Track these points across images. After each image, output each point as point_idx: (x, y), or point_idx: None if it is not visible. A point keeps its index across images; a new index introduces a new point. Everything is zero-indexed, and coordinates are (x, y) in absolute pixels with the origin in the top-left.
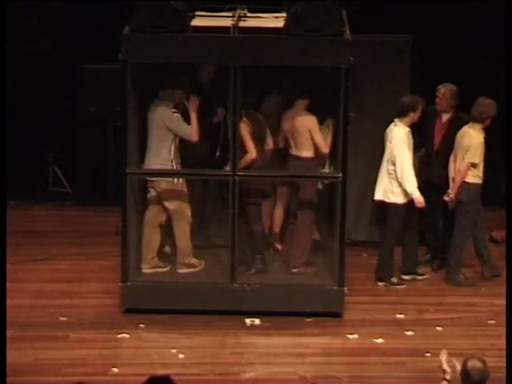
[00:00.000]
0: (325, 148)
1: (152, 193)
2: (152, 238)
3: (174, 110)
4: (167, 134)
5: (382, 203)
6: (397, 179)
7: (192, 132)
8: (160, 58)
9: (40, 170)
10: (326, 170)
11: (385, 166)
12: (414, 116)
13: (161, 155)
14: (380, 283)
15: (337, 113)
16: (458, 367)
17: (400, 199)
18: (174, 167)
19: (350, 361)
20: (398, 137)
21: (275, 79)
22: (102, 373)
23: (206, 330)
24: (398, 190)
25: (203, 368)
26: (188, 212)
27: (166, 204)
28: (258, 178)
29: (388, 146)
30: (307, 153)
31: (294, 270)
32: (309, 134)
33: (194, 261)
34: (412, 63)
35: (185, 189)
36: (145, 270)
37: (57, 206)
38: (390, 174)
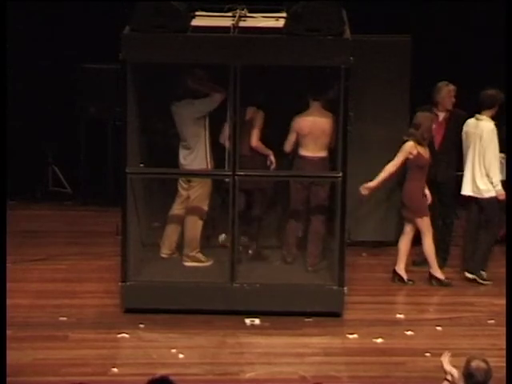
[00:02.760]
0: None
1: (182, 182)
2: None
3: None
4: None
5: (472, 199)
6: (485, 172)
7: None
8: (160, 58)
9: (40, 169)
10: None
11: (475, 163)
12: (496, 109)
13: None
14: (469, 275)
15: (337, 112)
16: (455, 374)
17: (494, 192)
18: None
19: (350, 361)
20: (489, 129)
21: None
22: (101, 373)
23: (206, 329)
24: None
25: (203, 368)
26: (205, 206)
27: (190, 192)
28: (258, 177)
29: (477, 141)
30: (324, 153)
31: (310, 269)
32: (330, 133)
33: (199, 255)
34: (412, 63)
35: (209, 183)
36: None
37: (57, 205)
38: (481, 169)
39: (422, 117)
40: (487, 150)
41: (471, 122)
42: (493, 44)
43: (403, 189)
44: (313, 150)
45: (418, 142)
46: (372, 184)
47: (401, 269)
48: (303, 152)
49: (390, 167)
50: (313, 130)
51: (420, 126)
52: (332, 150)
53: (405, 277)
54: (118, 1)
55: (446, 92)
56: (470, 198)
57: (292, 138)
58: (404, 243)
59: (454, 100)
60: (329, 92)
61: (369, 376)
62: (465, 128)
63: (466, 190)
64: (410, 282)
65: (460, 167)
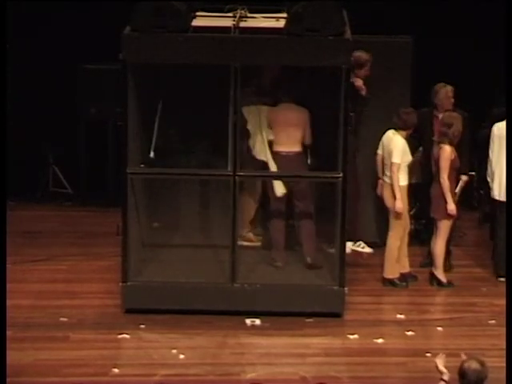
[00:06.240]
0: (309, 140)
1: None
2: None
3: None
4: None
5: (501, 203)
6: None
7: None
8: (160, 58)
9: (40, 170)
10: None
11: (506, 167)
12: None
13: None
14: (502, 279)
15: (337, 112)
16: (446, 376)
17: None
18: None
19: (351, 361)
20: None
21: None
22: (102, 373)
23: (207, 330)
24: None
25: (204, 368)
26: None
27: None
28: (259, 177)
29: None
30: (298, 147)
31: (309, 259)
32: (303, 126)
33: (250, 235)
34: (413, 64)
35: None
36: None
37: (57, 206)
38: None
39: (452, 117)
40: None
41: (503, 125)
42: (493, 45)
43: (432, 190)
44: (286, 145)
45: (450, 143)
46: (451, 206)
47: (439, 272)
48: (277, 147)
49: (447, 182)
50: (284, 122)
51: (451, 126)
52: (305, 146)
53: (444, 280)
54: (119, 1)
55: (444, 93)
56: (499, 202)
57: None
58: (437, 246)
59: (452, 100)
60: (301, 92)
61: (369, 376)
62: (496, 131)
63: (499, 194)
64: (450, 285)
65: (462, 168)
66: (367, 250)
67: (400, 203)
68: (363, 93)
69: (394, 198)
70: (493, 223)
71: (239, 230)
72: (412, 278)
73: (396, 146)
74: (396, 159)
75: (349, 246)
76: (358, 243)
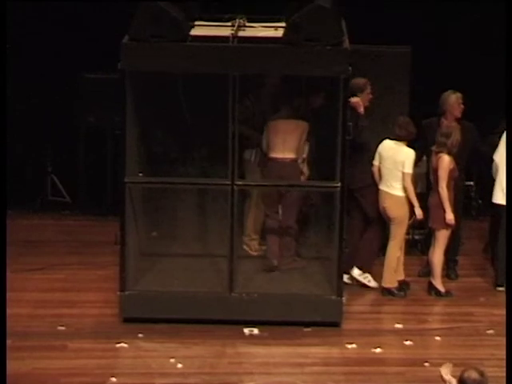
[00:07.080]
0: (304, 151)
1: None
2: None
3: None
4: None
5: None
6: None
7: None
8: (159, 67)
9: (39, 179)
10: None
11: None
12: None
13: None
14: (500, 288)
15: (335, 122)
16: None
17: None
18: None
19: (349, 371)
20: None
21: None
22: (100, 382)
23: (205, 339)
24: None
25: (202, 378)
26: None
27: None
28: (257, 187)
29: None
30: (293, 155)
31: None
32: (300, 136)
33: (253, 243)
34: (412, 74)
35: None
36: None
37: (56, 215)
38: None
39: (451, 127)
40: None
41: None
42: (492, 54)
43: (431, 199)
44: (281, 152)
45: (449, 153)
46: (449, 216)
47: (437, 282)
48: (272, 154)
49: (446, 192)
50: (282, 129)
51: (450, 136)
52: (299, 154)
53: (442, 289)
54: (118, 10)
55: (455, 99)
56: (499, 206)
57: (265, 140)
58: (436, 256)
59: (462, 107)
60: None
61: None
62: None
63: (496, 197)
64: (448, 295)
65: (468, 178)
66: (373, 284)
67: (420, 210)
68: (361, 109)
69: (404, 207)
70: (491, 231)
71: (243, 236)
72: (405, 285)
73: (409, 157)
74: (409, 169)
75: (355, 274)
76: (365, 275)
